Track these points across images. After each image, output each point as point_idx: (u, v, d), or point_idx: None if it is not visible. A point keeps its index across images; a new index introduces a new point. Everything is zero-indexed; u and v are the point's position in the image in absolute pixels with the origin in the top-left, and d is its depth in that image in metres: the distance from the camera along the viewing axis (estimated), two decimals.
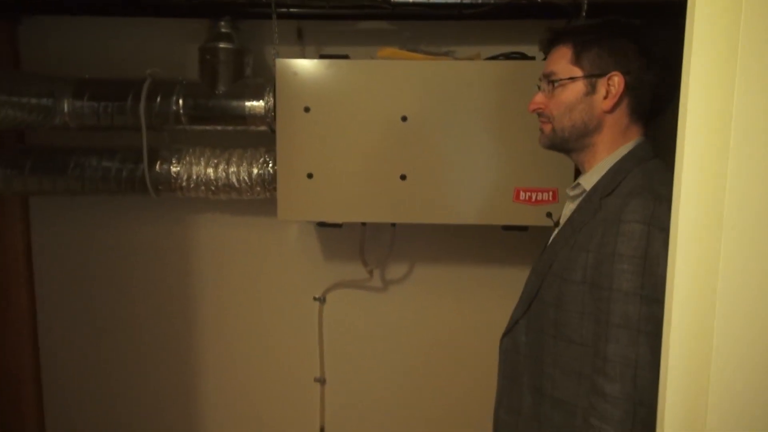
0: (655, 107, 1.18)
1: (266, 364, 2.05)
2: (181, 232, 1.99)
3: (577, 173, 1.56)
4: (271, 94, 1.67)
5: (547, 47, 1.23)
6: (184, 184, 1.76)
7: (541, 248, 1.28)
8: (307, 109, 1.59)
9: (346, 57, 1.62)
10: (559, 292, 1.12)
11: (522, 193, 1.58)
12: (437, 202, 1.60)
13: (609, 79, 1.13)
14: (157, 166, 1.75)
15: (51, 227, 2.01)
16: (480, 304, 1.96)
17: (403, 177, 1.59)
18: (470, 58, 1.64)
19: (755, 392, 0.72)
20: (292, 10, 1.70)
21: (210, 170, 1.75)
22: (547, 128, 1.20)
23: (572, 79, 1.15)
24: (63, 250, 2.01)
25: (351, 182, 1.60)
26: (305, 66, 1.59)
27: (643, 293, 1.00)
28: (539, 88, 1.22)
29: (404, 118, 1.58)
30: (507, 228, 1.67)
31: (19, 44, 1.90)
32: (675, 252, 0.75)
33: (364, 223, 1.84)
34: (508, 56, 1.62)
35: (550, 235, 1.26)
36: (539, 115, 1.22)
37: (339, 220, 1.66)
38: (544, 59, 1.64)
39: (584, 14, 1.60)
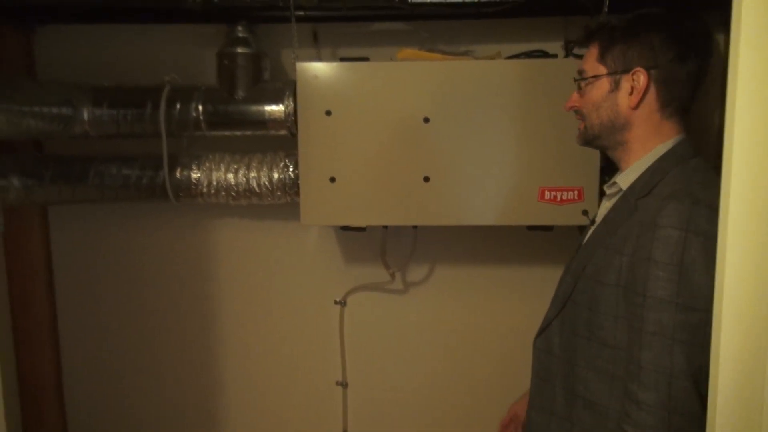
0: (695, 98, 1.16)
1: (288, 368, 2.04)
2: (200, 236, 1.99)
3: (604, 171, 1.55)
4: (290, 98, 1.66)
5: (583, 46, 1.24)
6: (204, 190, 1.75)
7: (576, 247, 1.27)
8: (328, 113, 1.58)
9: (366, 59, 1.61)
10: (593, 295, 1.11)
11: (547, 193, 1.57)
12: (461, 204, 1.59)
13: (633, 75, 1.11)
14: (178, 173, 1.74)
15: (70, 235, 2.01)
16: (504, 305, 1.95)
17: (426, 179, 1.58)
18: (491, 58, 1.63)
19: None
20: (309, 13, 1.69)
21: (230, 176, 1.74)
22: (581, 126, 1.21)
23: (596, 77, 1.15)
24: (82, 257, 2.01)
25: (374, 185, 1.59)
26: (326, 69, 1.58)
27: (678, 301, 0.98)
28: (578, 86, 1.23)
29: (426, 120, 1.57)
30: (532, 228, 1.66)
31: (34, 53, 1.90)
32: (724, 255, 0.73)
33: (385, 226, 1.83)
34: (529, 55, 1.61)
35: (585, 234, 1.25)
36: (576, 113, 1.22)
37: (362, 224, 1.65)
38: (566, 56, 1.64)
39: (606, 9, 1.58)
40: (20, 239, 1.94)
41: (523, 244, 1.90)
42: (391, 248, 1.93)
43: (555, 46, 1.78)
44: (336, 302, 2.00)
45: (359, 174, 1.59)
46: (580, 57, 1.39)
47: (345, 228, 1.71)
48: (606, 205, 1.22)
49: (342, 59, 1.62)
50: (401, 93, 1.56)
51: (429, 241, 1.93)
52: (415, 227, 1.86)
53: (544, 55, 1.60)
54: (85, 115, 1.69)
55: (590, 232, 1.22)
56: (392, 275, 1.94)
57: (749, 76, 0.71)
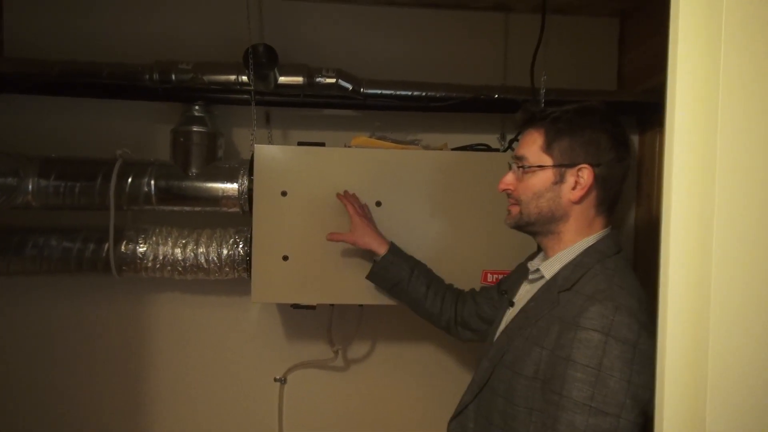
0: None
1: None
2: (139, 311, 1.93)
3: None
4: (245, 177, 1.70)
5: (521, 126, 1.22)
6: (149, 264, 1.73)
7: (493, 327, 1.28)
8: (284, 193, 1.62)
9: (322, 144, 1.68)
10: (510, 386, 1.10)
11: (489, 275, 1.66)
12: None
13: (579, 170, 1.11)
14: (123, 246, 1.71)
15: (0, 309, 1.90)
16: (445, 383, 1.99)
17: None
18: (439, 148, 1.75)
19: (755, 402, 0.75)
20: (266, 97, 1.76)
21: (178, 250, 1.73)
22: (515, 210, 1.19)
23: (541, 167, 1.14)
24: (12, 332, 1.90)
25: (327, 265, 1.63)
26: (283, 152, 1.64)
27: (592, 405, 0.98)
28: (510, 167, 1.21)
29: (378, 204, 1.64)
30: None
31: None
32: (667, 269, 0.76)
33: (332, 304, 1.85)
34: (473, 147, 1.74)
35: (502, 315, 1.27)
36: (508, 195, 1.21)
37: (314, 302, 1.68)
38: (504, 150, 1.78)
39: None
40: None
41: None
42: (335, 325, 1.96)
43: (493, 138, 1.94)
44: (276, 380, 1.98)
45: (312, 253, 1.63)
46: None
47: (296, 306, 1.73)
48: (527, 288, 1.23)
49: (299, 143, 1.69)
50: (355, 177, 1.64)
51: (373, 319, 1.97)
52: (361, 305, 1.90)
53: (488, 148, 1.74)
54: (30, 186, 1.65)
55: (510, 316, 1.22)
56: (336, 353, 1.95)
57: (684, 174, 0.77)
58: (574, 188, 1.12)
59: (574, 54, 1.99)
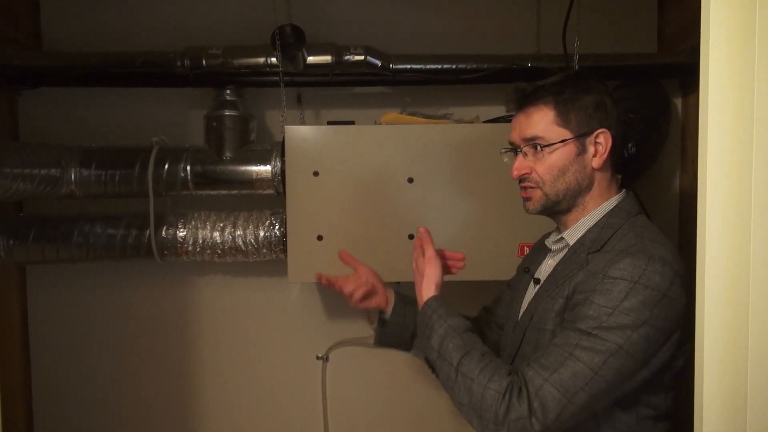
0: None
1: (270, 424, 2.03)
2: (182, 294, 1.99)
3: None
4: (277, 159, 1.71)
5: (520, 108, 1.17)
6: (190, 248, 1.77)
7: (514, 304, 1.26)
8: (316, 173, 1.63)
9: (352, 123, 1.68)
10: (537, 345, 1.09)
11: (526, 249, 1.64)
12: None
13: (596, 136, 1.11)
14: (163, 232, 1.76)
15: (48, 294, 1.98)
16: None
17: (411, 237, 1.64)
18: (470, 121, 1.72)
19: None
20: (296, 78, 1.76)
21: (216, 234, 1.77)
22: (537, 194, 1.15)
23: (563, 141, 1.11)
24: (61, 317, 1.98)
25: (360, 243, 1.64)
26: (313, 132, 1.64)
27: (592, 332, 0.98)
28: (517, 152, 1.16)
29: (410, 180, 1.63)
30: None
31: (18, 115, 1.91)
32: (704, 266, 0.75)
33: None
34: (506, 119, 1.70)
35: (525, 289, 1.24)
36: (521, 180, 1.16)
37: None
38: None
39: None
40: None
41: None
42: None
43: None
44: (318, 357, 2.01)
45: (346, 232, 1.64)
46: None
47: None
48: (550, 263, 1.20)
49: (329, 122, 1.69)
50: (386, 155, 1.63)
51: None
52: (398, 283, 1.90)
53: None
54: (73, 176, 1.70)
55: (536, 289, 1.19)
56: (375, 330, 1.96)
57: (718, 137, 0.75)
58: (595, 155, 1.12)
59: (610, 17, 1.91)
